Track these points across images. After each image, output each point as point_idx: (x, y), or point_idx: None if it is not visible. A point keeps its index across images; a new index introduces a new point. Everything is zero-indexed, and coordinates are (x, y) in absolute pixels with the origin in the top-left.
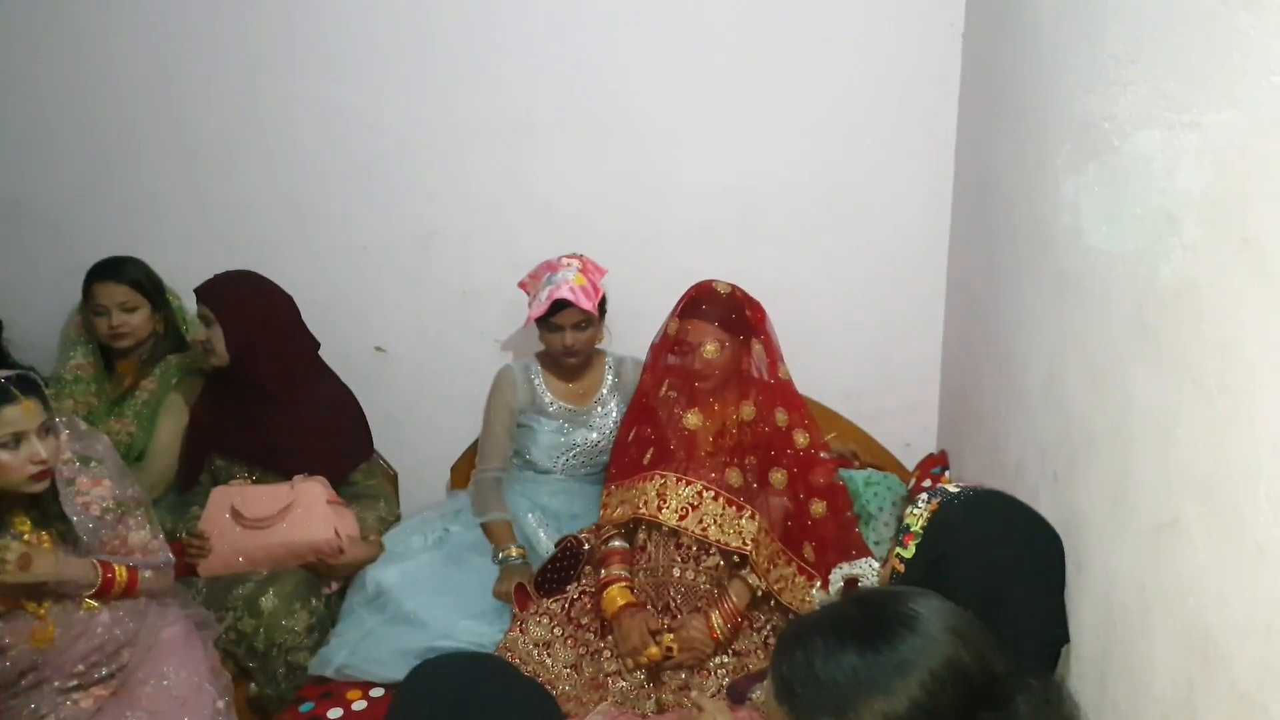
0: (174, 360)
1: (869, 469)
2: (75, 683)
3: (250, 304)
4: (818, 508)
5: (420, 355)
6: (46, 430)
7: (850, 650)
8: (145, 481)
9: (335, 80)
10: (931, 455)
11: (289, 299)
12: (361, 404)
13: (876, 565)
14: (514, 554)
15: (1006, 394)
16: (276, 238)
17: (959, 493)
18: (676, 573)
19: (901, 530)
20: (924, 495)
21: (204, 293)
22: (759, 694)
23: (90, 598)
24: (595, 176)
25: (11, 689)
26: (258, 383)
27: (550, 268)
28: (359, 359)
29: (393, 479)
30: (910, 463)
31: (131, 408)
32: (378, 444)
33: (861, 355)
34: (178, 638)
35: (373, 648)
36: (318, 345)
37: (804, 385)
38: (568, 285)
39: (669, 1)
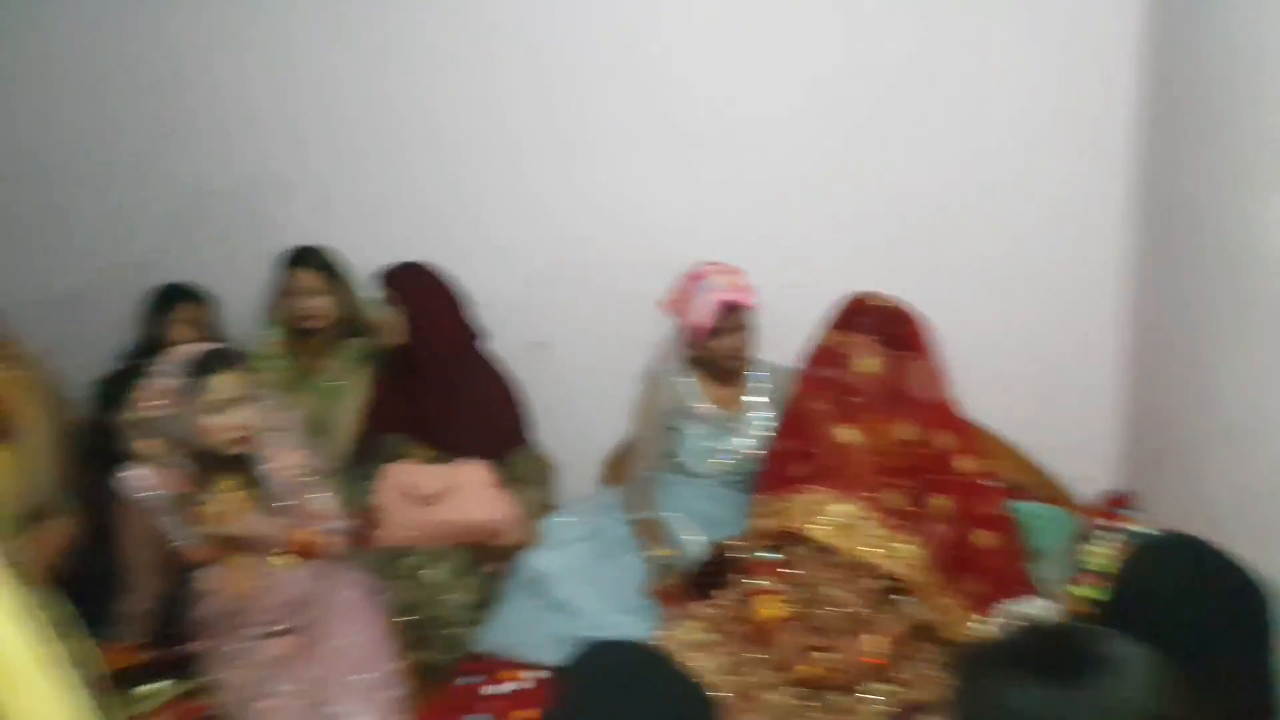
0: (356, 343)
1: (1039, 502)
2: (268, 630)
3: (424, 289)
4: (982, 538)
5: (579, 352)
6: (247, 400)
7: (1048, 685)
8: (326, 454)
9: (493, 86)
10: (1112, 493)
11: (455, 288)
12: (523, 393)
13: (1047, 604)
14: (663, 554)
15: (1205, 432)
16: (448, 234)
17: (1150, 535)
18: (830, 592)
19: (1080, 569)
20: (1109, 535)
21: (389, 278)
22: None
23: (279, 555)
24: (743, 185)
25: (216, 629)
26: (427, 365)
27: (696, 278)
28: (521, 352)
29: (549, 467)
30: (1084, 499)
31: (317, 385)
32: (539, 433)
33: (1032, 381)
34: (354, 601)
35: (527, 630)
36: (480, 334)
37: (971, 410)
38: (726, 288)
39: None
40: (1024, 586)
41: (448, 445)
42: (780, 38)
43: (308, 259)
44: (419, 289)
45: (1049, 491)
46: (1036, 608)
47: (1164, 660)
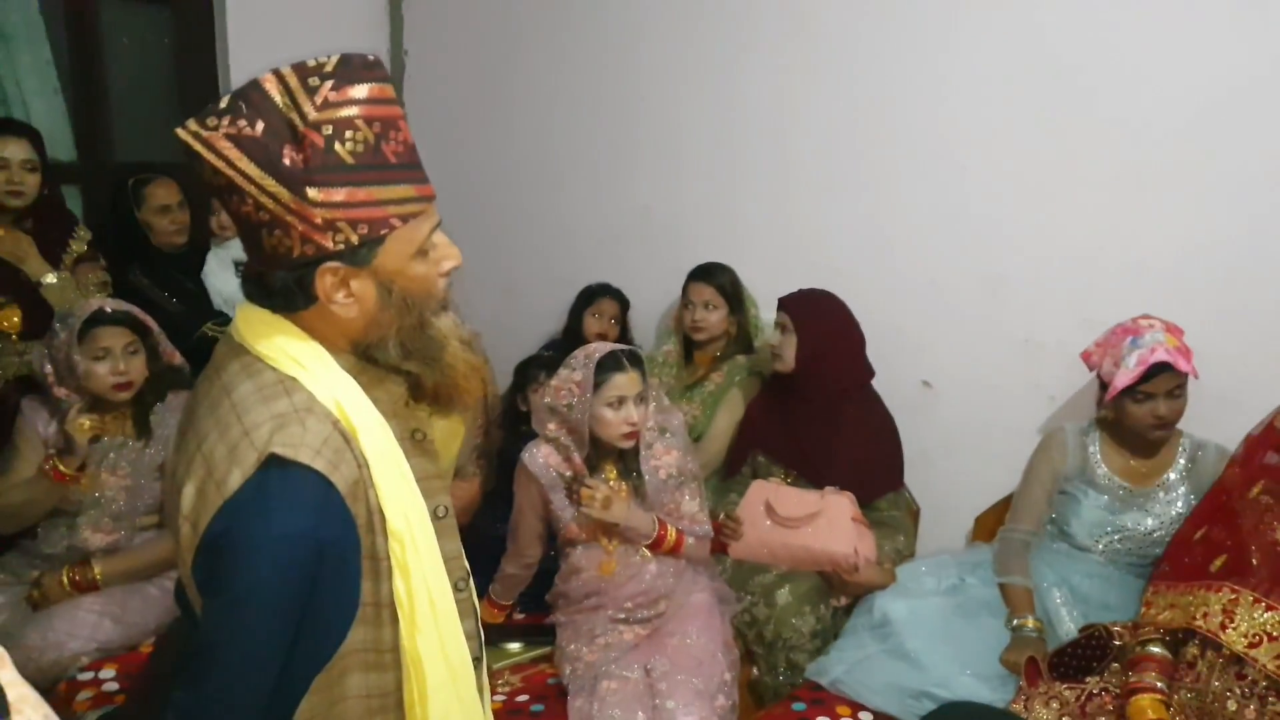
0: (741, 360)
1: None
2: (623, 615)
3: (826, 322)
4: None
5: (967, 398)
6: (641, 399)
7: None
8: (699, 461)
9: (928, 121)
10: None
11: (858, 325)
12: (901, 435)
13: None
14: (1030, 625)
15: None
16: (850, 264)
17: None
18: (1232, 707)
19: None
20: None
21: (787, 303)
22: None
23: (646, 547)
24: (1201, 235)
25: (578, 605)
26: (811, 395)
27: (1130, 331)
28: (906, 391)
29: (915, 514)
30: None
31: (700, 395)
32: (908, 477)
33: None
34: (703, 604)
35: (868, 673)
36: (873, 374)
37: None
38: (1162, 347)
39: None
40: None
41: (814, 477)
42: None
43: (708, 275)
44: (818, 321)
45: None
46: None
47: None
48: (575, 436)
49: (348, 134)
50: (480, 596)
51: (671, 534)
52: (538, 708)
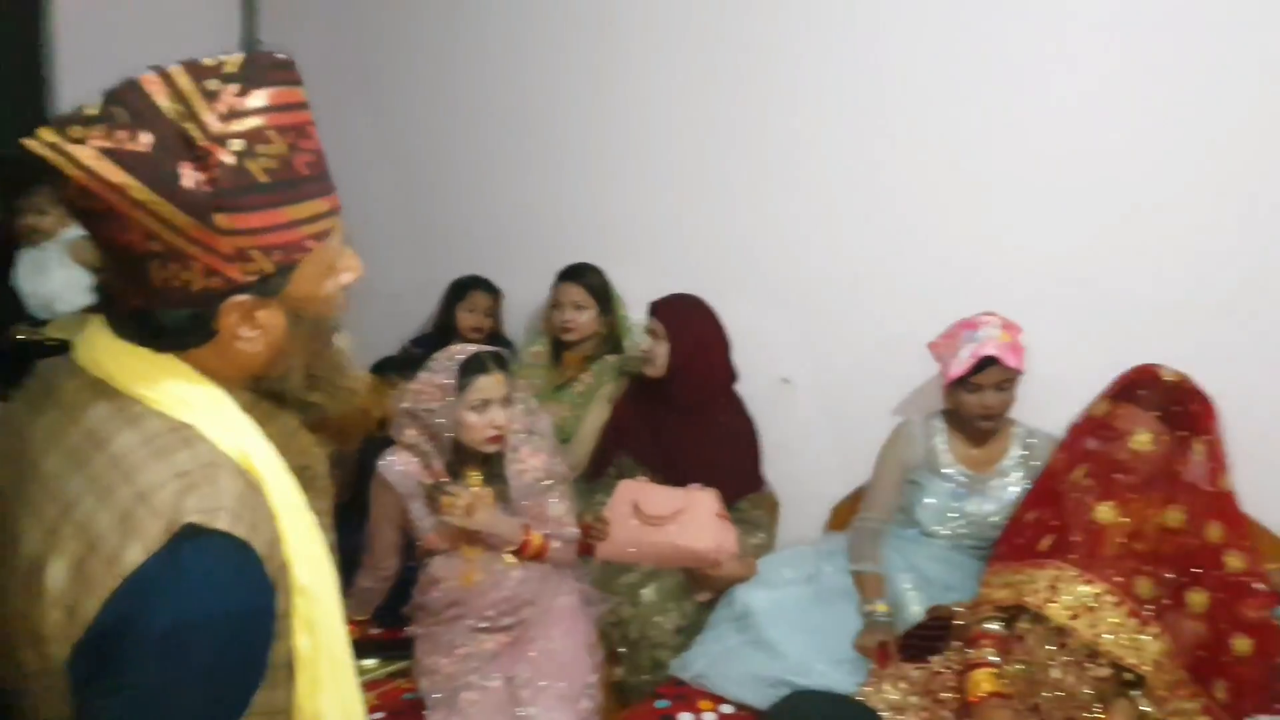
0: (611, 361)
1: None
2: (485, 624)
3: (697, 328)
4: (1241, 644)
5: (823, 392)
6: (507, 402)
7: None
8: (568, 462)
9: (792, 128)
10: None
11: (724, 330)
12: (760, 429)
13: None
14: (881, 610)
15: None
16: (713, 264)
17: None
18: (1055, 674)
19: None
20: None
21: (659, 309)
22: None
23: (510, 554)
24: (1038, 236)
25: (437, 616)
26: (678, 399)
27: (969, 325)
28: (765, 387)
29: (775, 507)
30: None
31: (568, 396)
32: (767, 470)
33: None
34: (568, 608)
35: (730, 665)
36: (737, 377)
37: (1248, 504)
38: (993, 342)
39: (1152, 63)
40: None
41: (680, 480)
42: (1109, 72)
43: (578, 275)
44: (689, 328)
45: None
46: None
47: None
48: (436, 442)
49: (259, 148)
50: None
51: (537, 539)
52: None
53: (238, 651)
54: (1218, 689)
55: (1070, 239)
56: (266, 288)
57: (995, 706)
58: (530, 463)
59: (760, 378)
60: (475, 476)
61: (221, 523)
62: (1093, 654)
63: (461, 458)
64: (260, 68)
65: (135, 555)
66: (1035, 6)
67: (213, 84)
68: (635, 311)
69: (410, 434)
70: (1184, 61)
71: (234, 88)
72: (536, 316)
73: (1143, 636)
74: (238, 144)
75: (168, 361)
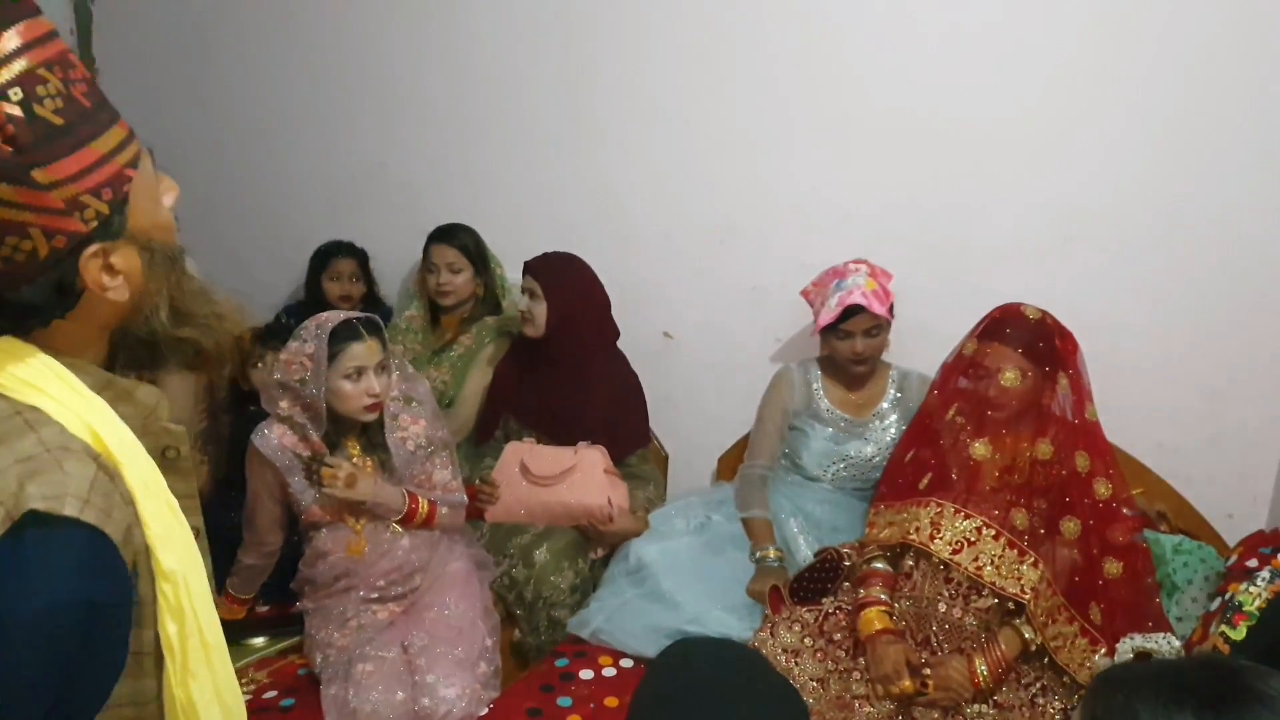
0: (490, 322)
1: (1180, 535)
2: (376, 595)
3: (574, 286)
4: (1112, 567)
5: (704, 344)
6: (382, 368)
7: (1188, 711)
8: (450, 427)
9: (655, 78)
10: (1262, 532)
11: (603, 287)
12: (644, 384)
13: (1176, 643)
14: (771, 555)
15: None
16: (588, 220)
17: None
18: (942, 608)
19: (1231, 609)
20: (1264, 574)
21: (535, 268)
22: None
23: (396, 522)
24: (901, 183)
25: (327, 590)
26: (560, 357)
27: (837, 274)
28: (647, 341)
29: (664, 461)
30: (1232, 536)
31: (448, 359)
32: (654, 424)
33: (1184, 407)
34: (460, 573)
35: (627, 619)
36: (618, 334)
37: (1112, 433)
38: (859, 290)
39: (995, 4)
40: (1153, 621)
41: (568, 439)
42: (950, 41)
43: (450, 236)
44: (566, 286)
45: (1192, 524)
46: (1164, 644)
47: None
48: (311, 413)
49: (39, 90)
50: (219, 592)
51: (423, 506)
52: (288, 702)
53: (89, 642)
54: (1093, 612)
55: (931, 185)
56: (110, 229)
57: (888, 643)
58: (411, 430)
59: (641, 333)
60: (354, 446)
61: (69, 509)
62: (976, 586)
63: (339, 428)
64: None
65: None
66: None
67: None
68: (511, 271)
69: (284, 406)
70: (1028, 2)
71: None
72: (410, 279)
73: (1021, 566)
74: (16, 93)
75: (10, 344)
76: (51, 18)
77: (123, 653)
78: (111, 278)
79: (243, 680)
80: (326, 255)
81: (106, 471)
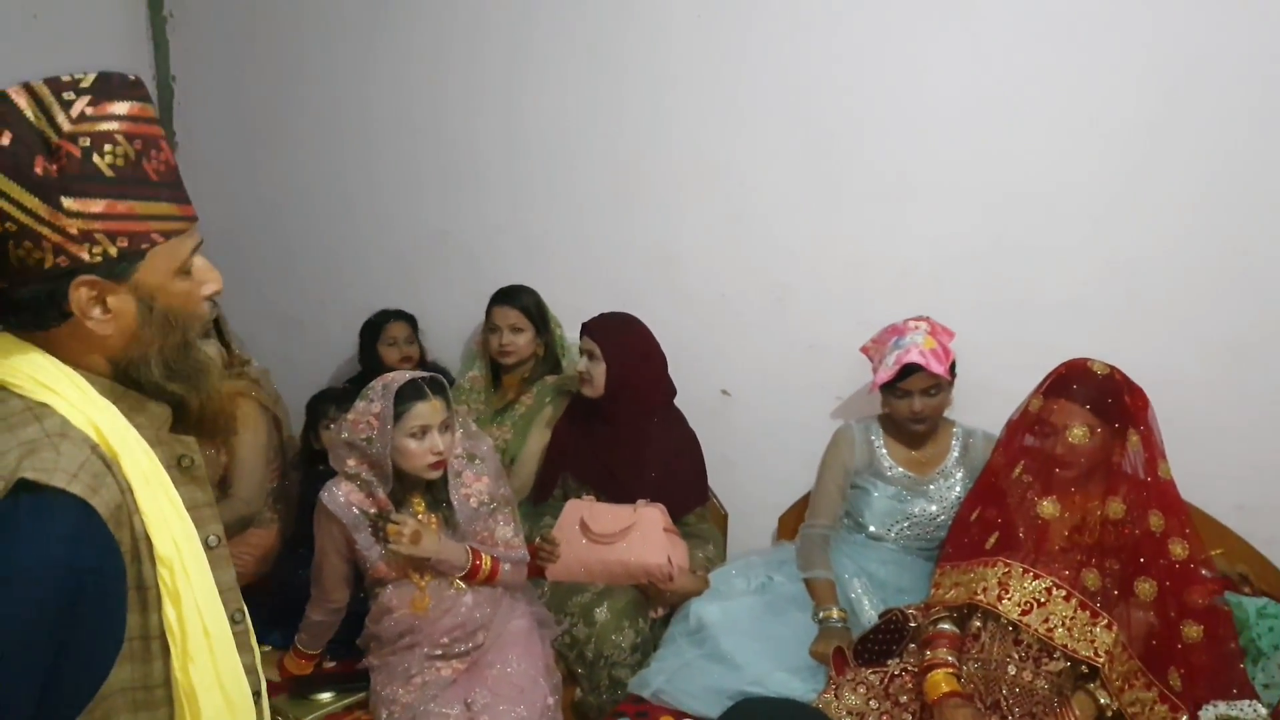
0: (550, 381)
1: (1264, 598)
2: (440, 652)
3: (631, 346)
4: (1192, 631)
5: (763, 403)
6: (446, 427)
7: None
8: (514, 484)
9: (711, 140)
10: None
11: (659, 346)
12: (702, 443)
13: (1263, 710)
14: (835, 616)
15: None
16: (645, 281)
17: None
18: (1012, 671)
19: None
20: None
21: (592, 329)
22: None
23: (460, 579)
24: (961, 238)
25: (392, 646)
26: (618, 417)
27: (896, 331)
28: (705, 400)
29: (723, 520)
30: None
31: (510, 419)
32: (713, 483)
33: (1264, 465)
34: (523, 631)
35: (688, 679)
36: (675, 392)
37: (1188, 492)
38: (917, 349)
39: (1054, 63)
40: (1237, 687)
41: (626, 498)
42: (1016, 101)
43: (512, 298)
44: (624, 346)
45: (1276, 586)
46: (1250, 711)
47: None
48: (377, 471)
49: (106, 147)
50: (287, 647)
51: (486, 563)
52: None
53: (78, 611)
54: (1172, 677)
55: (992, 241)
56: (113, 270)
57: (956, 705)
58: (474, 487)
59: (699, 391)
60: (419, 503)
61: (57, 480)
62: (1047, 648)
63: (404, 485)
64: (113, 85)
65: None
66: (952, 7)
67: (69, 95)
68: (569, 330)
69: (351, 464)
70: (1089, 61)
71: (87, 99)
72: (471, 340)
73: (1095, 629)
74: (85, 141)
75: (24, 345)
76: None
77: (118, 628)
78: (100, 312)
79: None
80: (379, 324)
81: (102, 459)
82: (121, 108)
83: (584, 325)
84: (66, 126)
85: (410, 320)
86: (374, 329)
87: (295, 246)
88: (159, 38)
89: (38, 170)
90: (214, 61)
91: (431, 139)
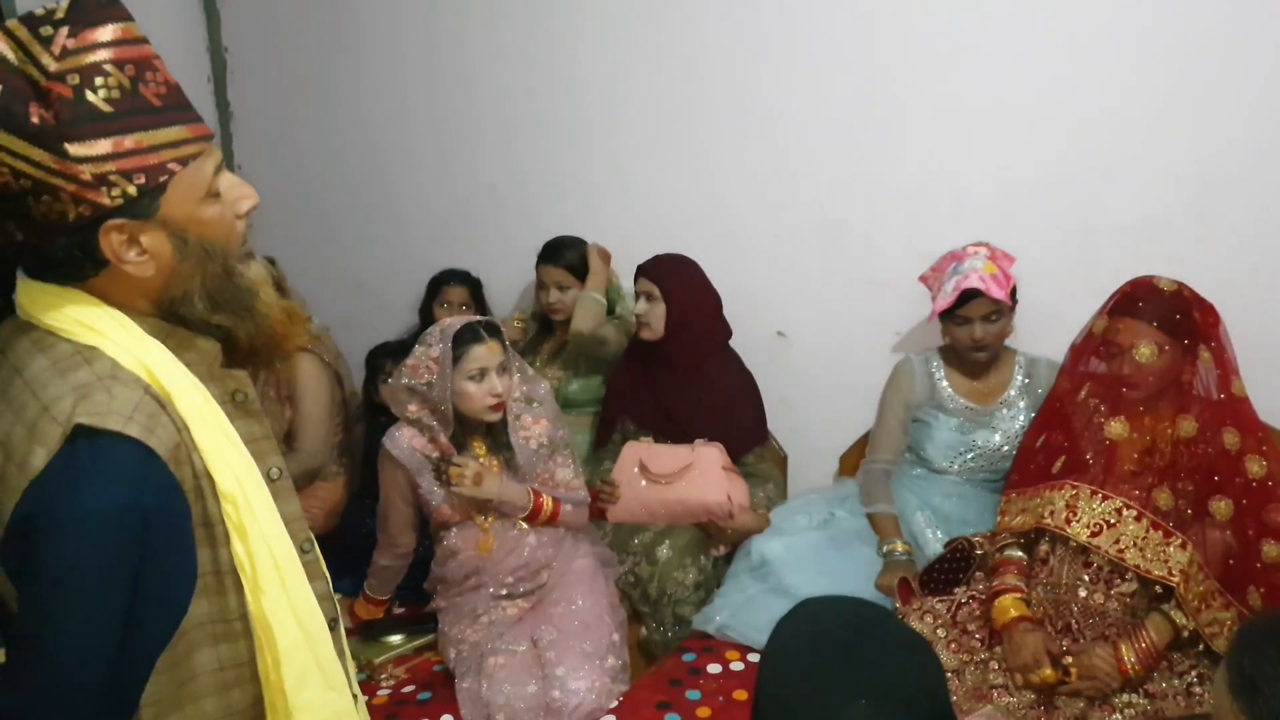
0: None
1: None
2: (505, 591)
3: (689, 286)
4: (1272, 550)
5: (820, 342)
6: (504, 369)
7: None
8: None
9: (753, 75)
10: None
11: (714, 288)
12: (760, 386)
13: None
14: (899, 549)
15: None
16: (696, 225)
17: None
18: (1083, 594)
19: None
20: None
21: (650, 271)
22: None
23: (522, 520)
24: (1019, 163)
25: (458, 587)
26: (675, 359)
27: (955, 258)
28: (761, 342)
29: (782, 461)
30: None
31: (564, 359)
32: (772, 425)
33: None
34: (586, 570)
35: (752, 613)
36: (730, 333)
37: (1266, 413)
38: (976, 274)
39: None
40: None
41: (685, 440)
42: (1074, 17)
43: (556, 256)
44: (682, 287)
45: None
46: None
47: None
48: (438, 415)
49: (98, 80)
50: (356, 594)
51: (548, 503)
52: (425, 696)
53: (144, 545)
54: (1252, 596)
55: (1052, 163)
56: (136, 209)
57: (1025, 630)
58: (533, 429)
59: (755, 333)
60: (480, 446)
61: (113, 424)
62: (1119, 570)
63: (465, 429)
64: (86, 8)
65: (39, 459)
66: None
67: (46, 30)
68: (623, 279)
69: (412, 409)
70: None
71: (65, 30)
72: (526, 295)
73: (1169, 548)
74: (74, 79)
75: (73, 294)
76: (189, 65)
77: (189, 566)
78: (136, 253)
79: (381, 676)
80: (439, 283)
81: (155, 399)
82: (104, 33)
83: (640, 267)
84: (52, 66)
85: (472, 284)
86: (434, 288)
87: (352, 207)
88: (210, 8)
89: (34, 119)
90: (266, 30)
91: (484, 97)
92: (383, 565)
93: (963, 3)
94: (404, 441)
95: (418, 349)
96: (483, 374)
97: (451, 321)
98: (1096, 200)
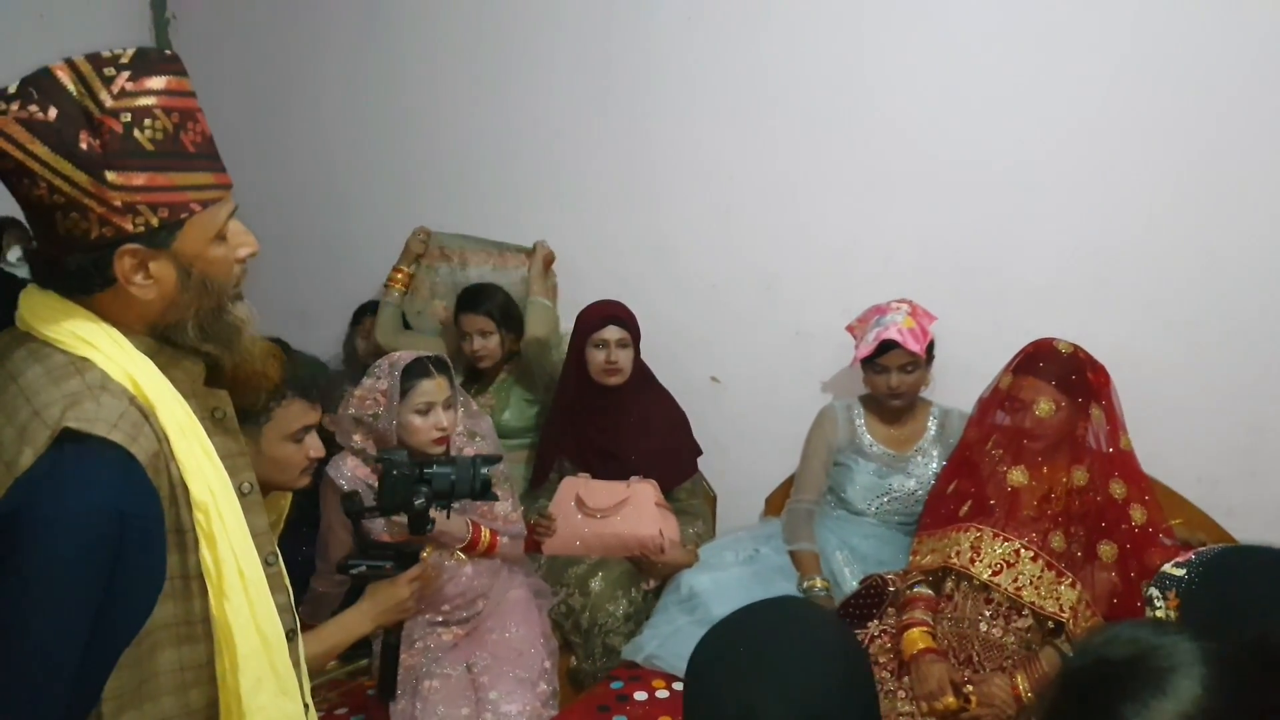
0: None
1: None
2: (441, 619)
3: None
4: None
5: (750, 389)
6: (449, 405)
7: None
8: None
9: (700, 135)
10: None
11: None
12: (695, 426)
13: None
14: (819, 585)
15: None
16: (641, 272)
17: None
18: (983, 628)
19: None
20: None
21: (621, 320)
22: None
23: (461, 550)
24: (940, 228)
25: None
26: (621, 397)
27: (879, 311)
28: (696, 386)
29: (712, 500)
30: None
31: (494, 388)
32: (703, 466)
33: (1221, 440)
34: (521, 600)
35: (680, 644)
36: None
37: (1152, 467)
38: (896, 327)
39: (1029, 55)
40: None
41: (620, 476)
42: (989, 91)
43: (475, 304)
44: (638, 331)
45: None
46: None
47: None
48: (383, 446)
49: (146, 122)
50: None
51: (486, 535)
52: (358, 718)
53: (119, 546)
54: None
55: (969, 230)
56: (154, 239)
57: (931, 661)
58: None
59: (693, 377)
60: None
61: (99, 429)
62: (1016, 607)
63: None
64: (150, 60)
65: (27, 459)
66: (928, 7)
67: (109, 71)
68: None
69: (357, 439)
70: (1060, 60)
71: (126, 74)
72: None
73: (1060, 587)
74: (126, 116)
75: (69, 305)
76: None
77: (160, 568)
78: (143, 278)
79: (316, 700)
80: (360, 314)
81: (139, 409)
82: (159, 82)
83: (611, 316)
84: (108, 102)
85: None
86: (356, 317)
87: (295, 241)
88: (161, 39)
89: (83, 145)
90: (215, 64)
91: (426, 138)
92: (320, 592)
93: (892, 78)
94: (348, 470)
95: (366, 381)
96: (429, 408)
97: (401, 356)
98: (1011, 267)
